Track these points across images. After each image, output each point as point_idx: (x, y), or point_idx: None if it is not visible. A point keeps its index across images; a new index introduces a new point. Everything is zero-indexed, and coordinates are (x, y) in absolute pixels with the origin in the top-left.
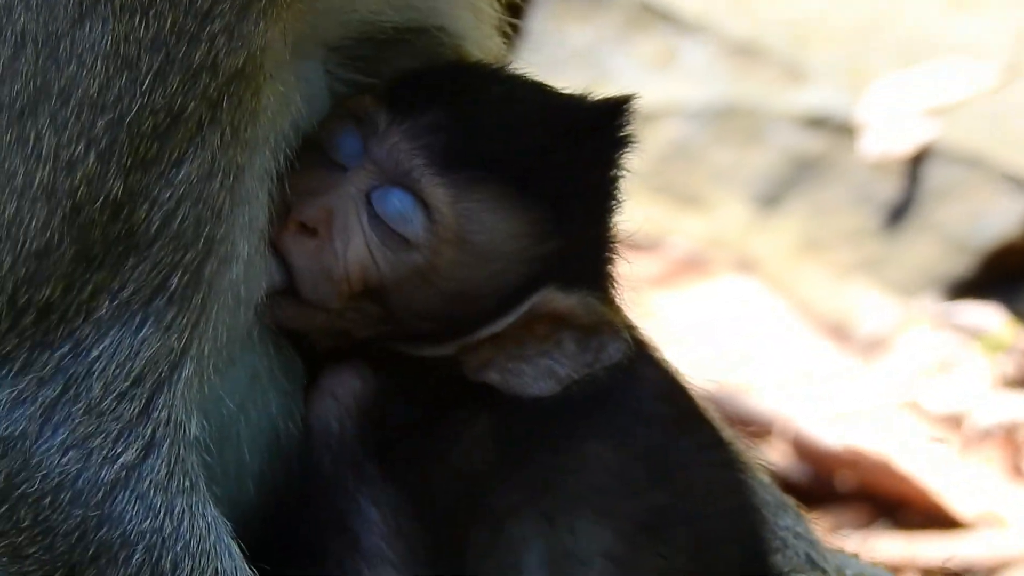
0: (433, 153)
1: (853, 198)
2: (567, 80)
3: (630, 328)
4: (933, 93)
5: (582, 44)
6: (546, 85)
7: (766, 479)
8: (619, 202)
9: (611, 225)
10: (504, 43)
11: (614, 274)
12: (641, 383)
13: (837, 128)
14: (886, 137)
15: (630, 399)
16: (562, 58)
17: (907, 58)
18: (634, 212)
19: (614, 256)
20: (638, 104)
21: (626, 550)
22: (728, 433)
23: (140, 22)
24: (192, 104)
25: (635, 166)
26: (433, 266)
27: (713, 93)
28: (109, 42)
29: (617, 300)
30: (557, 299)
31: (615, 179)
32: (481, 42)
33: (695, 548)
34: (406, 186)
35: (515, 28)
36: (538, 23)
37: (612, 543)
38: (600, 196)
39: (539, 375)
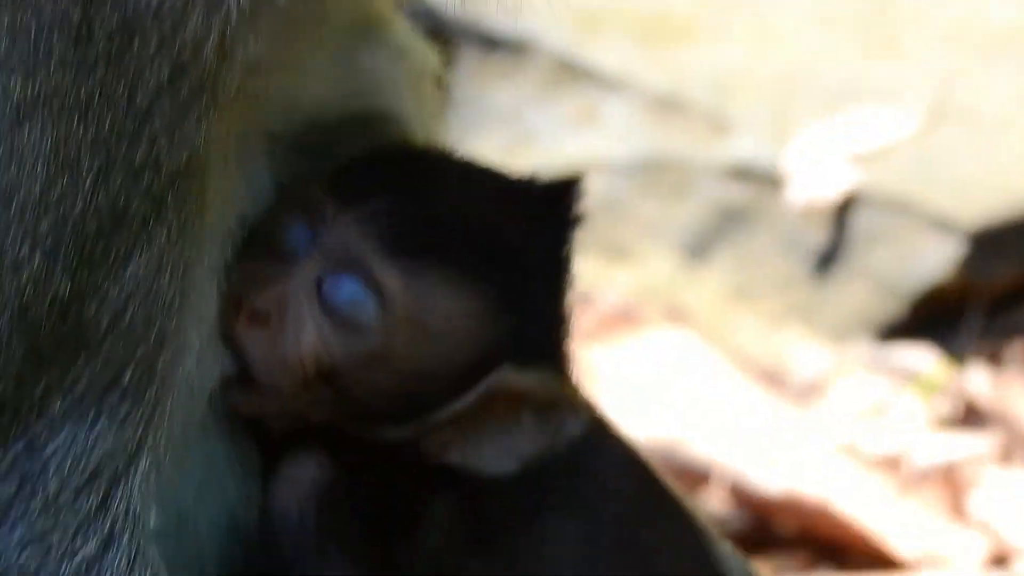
0: (383, 238)
1: (781, 246)
2: (490, 140)
3: (588, 403)
4: (858, 139)
5: (503, 104)
6: (494, 167)
7: (729, 548)
8: (572, 278)
9: (565, 301)
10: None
11: (569, 350)
12: (602, 457)
13: (762, 178)
14: (812, 185)
15: (592, 474)
16: (484, 118)
17: (831, 105)
18: None
19: (569, 332)
20: (564, 163)
21: None
22: (689, 503)
23: (79, 124)
24: (136, 202)
25: None
26: (387, 350)
27: (637, 148)
28: (49, 144)
29: (573, 375)
30: (514, 378)
31: (567, 256)
32: (426, 124)
33: None
34: (357, 272)
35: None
36: (458, 84)
37: None
38: (553, 273)
39: (499, 454)
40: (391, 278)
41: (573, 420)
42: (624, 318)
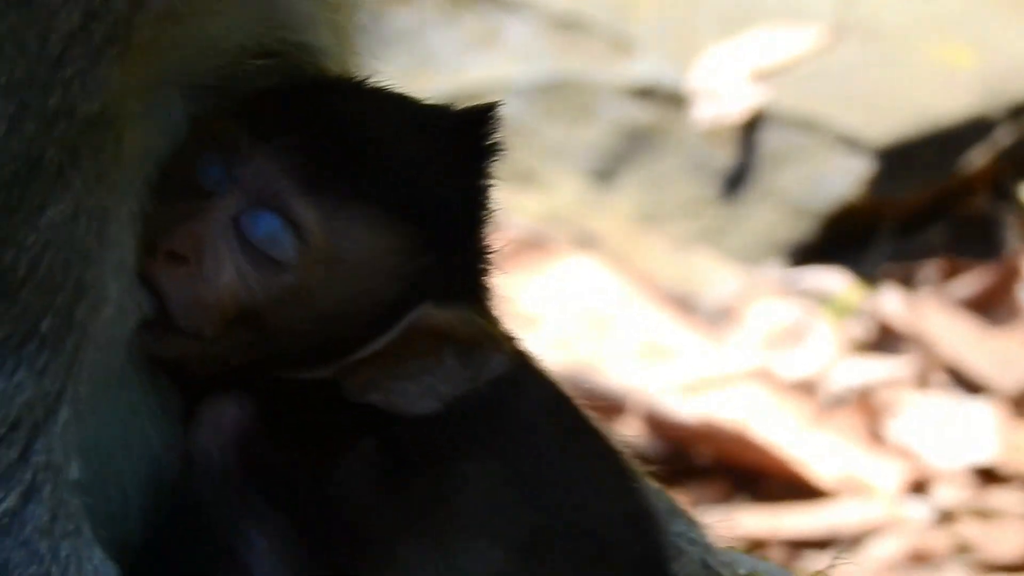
0: (299, 173)
1: (689, 168)
2: (391, 63)
3: (511, 340)
4: (761, 56)
5: (405, 26)
6: (410, 97)
7: (656, 485)
8: (491, 212)
9: (485, 236)
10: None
11: (491, 286)
12: (525, 396)
13: (667, 98)
14: (717, 104)
15: (514, 413)
16: (385, 41)
17: (733, 25)
18: None
19: (490, 268)
20: (466, 86)
21: (517, 568)
22: (615, 440)
23: None
24: (51, 150)
25: None
26: (306, 286)
27: (540, 69)
28: None
29: (495, 312)
30: (435, 315)
31: (485, 189)
32: (342, 58)
33: (590, 560)
34: (274, 208)
35: None
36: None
37: (502, 562)
38: (472, 207)
39: (421, 393)
40: (308, 213)
41: (496, 358)
42: (534, 246)
